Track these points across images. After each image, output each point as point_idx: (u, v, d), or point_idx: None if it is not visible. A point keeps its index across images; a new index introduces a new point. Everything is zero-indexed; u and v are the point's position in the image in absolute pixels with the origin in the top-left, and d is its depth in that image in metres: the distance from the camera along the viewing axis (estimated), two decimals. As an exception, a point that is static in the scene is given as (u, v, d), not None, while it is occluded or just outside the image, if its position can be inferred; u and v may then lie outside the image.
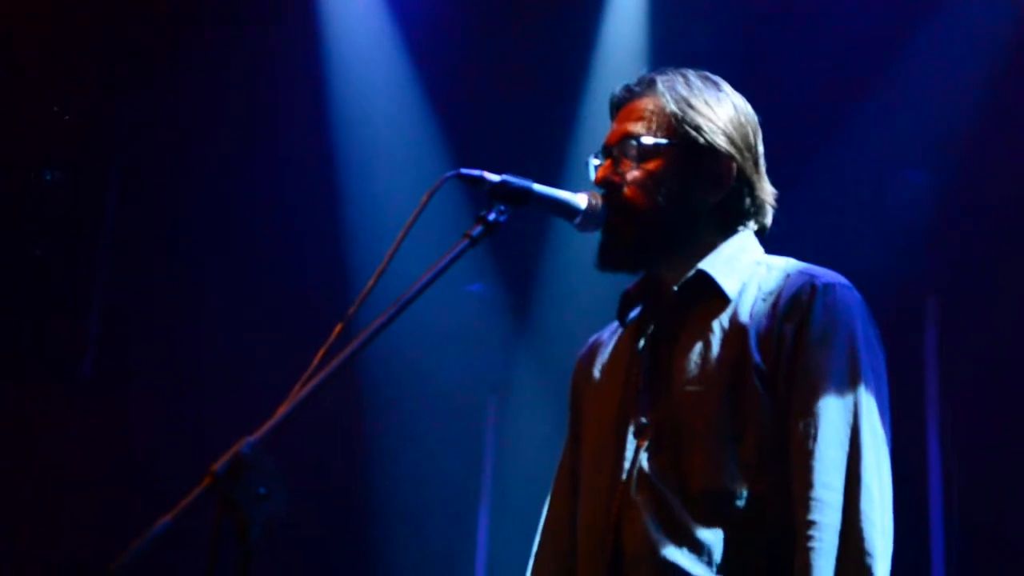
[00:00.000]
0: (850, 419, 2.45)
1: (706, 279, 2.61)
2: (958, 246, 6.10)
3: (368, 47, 6.90)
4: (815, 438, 2.42)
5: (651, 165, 2.63)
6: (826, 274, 2.58)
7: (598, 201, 2.62)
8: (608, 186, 2.65)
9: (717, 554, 2.44)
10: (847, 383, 2.47)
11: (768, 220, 2.73)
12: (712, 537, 2.45)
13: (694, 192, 2.64)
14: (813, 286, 2.53)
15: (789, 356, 2.48)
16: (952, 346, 6.13)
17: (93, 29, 6.93)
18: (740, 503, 2.45)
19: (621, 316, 2.78)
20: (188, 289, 7.14)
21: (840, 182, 6.08)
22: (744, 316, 2.54)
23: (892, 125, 6.05)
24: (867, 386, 2.49)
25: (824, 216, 5.85)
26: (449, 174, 2.46)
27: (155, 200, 7.25)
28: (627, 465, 2.56)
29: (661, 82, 2.69)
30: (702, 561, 2.44)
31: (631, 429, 2.58)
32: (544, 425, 6.11)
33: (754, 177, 2.68)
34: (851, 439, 2.44)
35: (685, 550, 2.45)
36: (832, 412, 2.44)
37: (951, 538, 5.92)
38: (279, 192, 7.08)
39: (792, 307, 2.51)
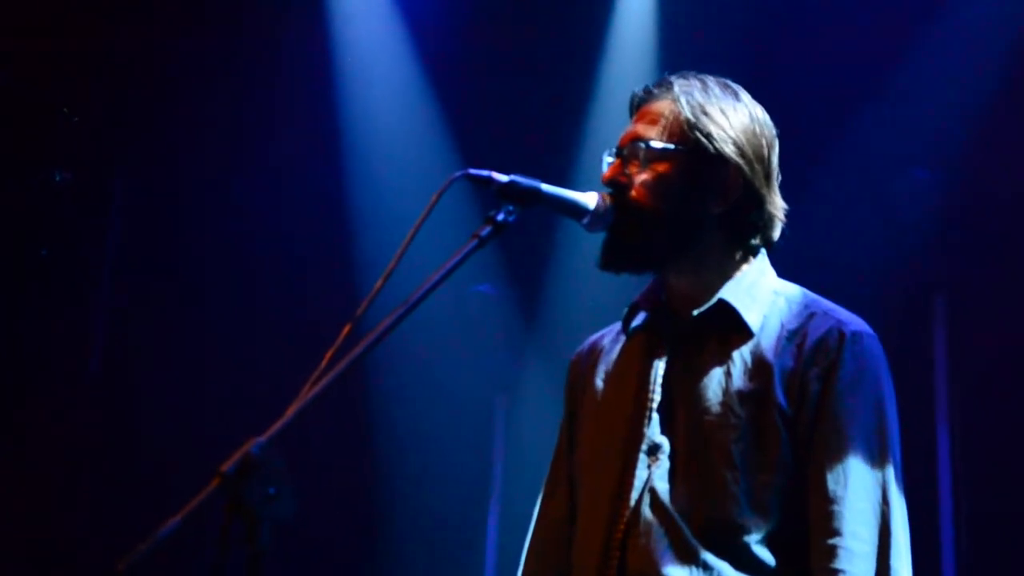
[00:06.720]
0: (879, 474, 2.47)
1: (728, 310, 2.60)
2: (966, 244, 6.10)
3: (376, 47, 6.91)
4: (844, 487, 2.44)
5: (659, 168, 2.61)
6: (852, 320, 2.59)
7: (606, 201, 2.60)
8: (615, 186, 2.63)
9: None
10: (875, 436, 2.50)
11: (776, 234, 2.70)
12: (720, 563, 2.45)
13: (699, 199, 2.62)
14: (841, 332, 2.54)
15: (815, 401, 2.50)
16: (961, 344, 6.12)
17: (101, 30, 6.94)
18: (748, 539, 2.46)
19: (626, 324, 2.76)
20: (195, 288, 7.14)
21: (847, 181, 6.09)
22: (768, 353, 2.54)
23: (898, 124, 6.05)
24: (892, 441, 2.52)
25: (832, 215, 5.85)
26: (457, 174, 2.45)
27: (161, 199, 7.26)
28: (637, 483, 2.54)
29: (679, 86, 2.66)
30: None
31: (643, 447, 2.57)
32: (553, 425, 6.08)
33: (764, 190, 2.64)
34: (882, 494, 2.46)
35: (693, 568, 2.45)
36: (861, 463, 2.46)
37: (960, 536, 5.91)
38: (287, 191, 7.08)
39: (819, 351, 2.53)
